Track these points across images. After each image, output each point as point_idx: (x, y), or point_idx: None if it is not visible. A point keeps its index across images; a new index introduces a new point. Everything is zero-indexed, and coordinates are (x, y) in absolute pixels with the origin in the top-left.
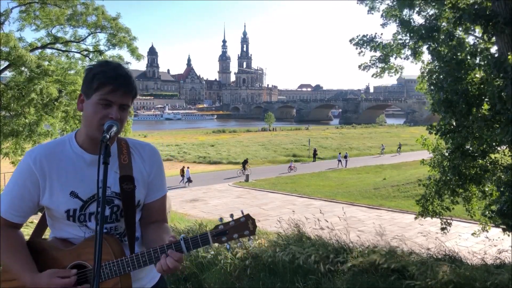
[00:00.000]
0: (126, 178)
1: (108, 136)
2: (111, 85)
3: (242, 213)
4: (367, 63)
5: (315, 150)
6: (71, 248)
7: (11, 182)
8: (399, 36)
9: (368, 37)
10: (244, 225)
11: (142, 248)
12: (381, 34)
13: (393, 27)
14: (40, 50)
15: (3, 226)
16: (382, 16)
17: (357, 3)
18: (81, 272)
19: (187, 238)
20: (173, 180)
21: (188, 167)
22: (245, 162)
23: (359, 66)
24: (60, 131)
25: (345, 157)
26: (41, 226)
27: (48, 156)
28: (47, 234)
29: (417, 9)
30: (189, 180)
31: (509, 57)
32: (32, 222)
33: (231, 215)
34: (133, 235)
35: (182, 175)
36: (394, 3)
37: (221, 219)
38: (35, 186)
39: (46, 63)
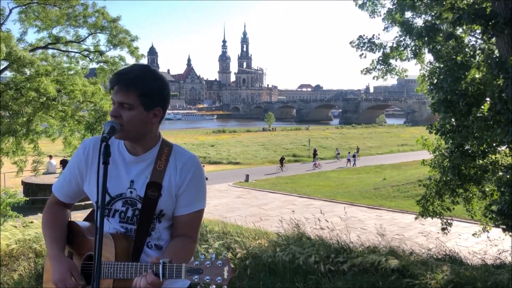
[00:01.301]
0: (153, 184)
1: (108, 137)
2: (111, 85)
3: (224, 256)
4: (368, 67)
5: (315, 150)
6: (91, 238)
7: (67, 165)
8: (400, 38)
9: (366, 37)
10: (219, 271)
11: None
12: (378, 34)
13: (394, 29)
14: (41, 50)
15: (54, 203)
16: (383, 19)
17: (358, 8)
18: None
19: (166, 263)
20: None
21: (203, 166)
22: (282, 159)
23: (361, 71)
24: (59, 131)
25: (354, 156)
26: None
27: (95, 147)
28: None
29: (419, 10)
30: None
31: (510, 57)
32: (31, 222)
33: (213, 255)
34: (142, 241)
35: None
36: (395, 6)
37: (202, 255)
38: (81, 173)
39: (45, 63)
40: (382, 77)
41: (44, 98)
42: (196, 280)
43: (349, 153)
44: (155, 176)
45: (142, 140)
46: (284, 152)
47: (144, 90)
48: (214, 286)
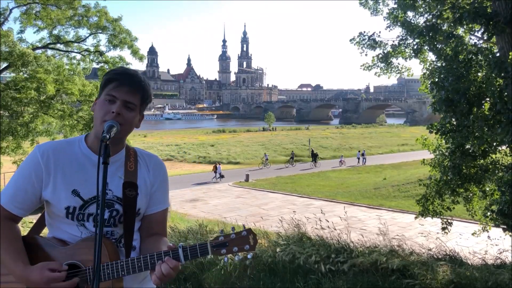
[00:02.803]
0: (129, 184)
1: (107, 136)
2: (116, 81)
3: (244, 227)
4: (369, 63)
5: (312, 151)
6: (66, 247)
7: (17, 173)
8: (402, 37)
9: (366, 34)
10: (245, 240)
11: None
12: (379, 32)
13: (396, 28)
14: (41, 51)
15: (2, 217)
16: (385, 18)
17: (360, 6)
18: (74, 272)
19: (186, 246)
20: (207, 176)
21: (220, 164)
22: (315, 155)
23: (361, 66)
24: (58, 130)
25: (363, 154)
26: (40, 224)
27: (56, 152)
28: (44, 233)
29: (420, 10)
30: (221, 176)
31: (510, 56)
32: (31, 222)
33: (233, 228)
34: (130, 242)
35: (215, 171)
36: (396, 5)
37: (222, 231)
38: (39, 179)
39: (46, 63)
40: (384, 74)
41: (44, 97)
42: (223, 252)
43: (358, 151)
44: (129, 176)
45: (120, 142)
46: (284, 151)
47: (145, 94)
48: (240, 256)
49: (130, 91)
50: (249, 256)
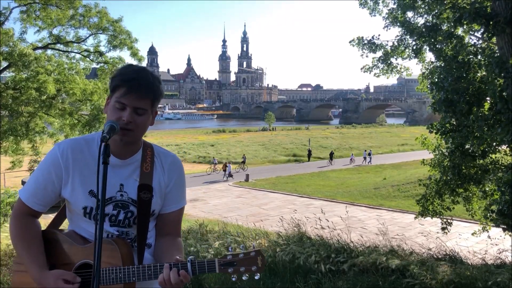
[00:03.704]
0: (144, 187)
1: (107, 136)
2: (124, 88)
3: (254, 247)
4: (369, 65)
5: (309, 151)
6: (83, 246)
7: (38, 170)
8: (402, 38)
9: (366, 39)
10: (253, 260)
11: (153, 256)
12: (379, 35)
13: (395, 28)
14: (41, 51)
15: (24, 214)
16: (384, 18)
17: (359, 7)
18: (89, 272)
19: (194, 261)
20: (207, 175)
21: (230, 163)
22: (332, 153)
23: (362, 68)
24: (61, 131)
25: (369, 154)
26: (60, 217)
27: (75, 150)
28: (63, 226)
29: (420, 10)
30: (230, 175)
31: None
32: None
33: (242, 247)
34: (143, 243)
35: (225, 170)
36: (396, 6)
37: (231, 248)
38: (59, 178)
39: (46, 63)
40: (384, 74)
41: (45, 97)
42: (230, 272)
43: (365, 151)
44: (144, 179)
45: (135, 144)
46: (284, 151)
47: (156, 95)
48: (247, 276)
49: (140, 97)
50: (256, 277)
